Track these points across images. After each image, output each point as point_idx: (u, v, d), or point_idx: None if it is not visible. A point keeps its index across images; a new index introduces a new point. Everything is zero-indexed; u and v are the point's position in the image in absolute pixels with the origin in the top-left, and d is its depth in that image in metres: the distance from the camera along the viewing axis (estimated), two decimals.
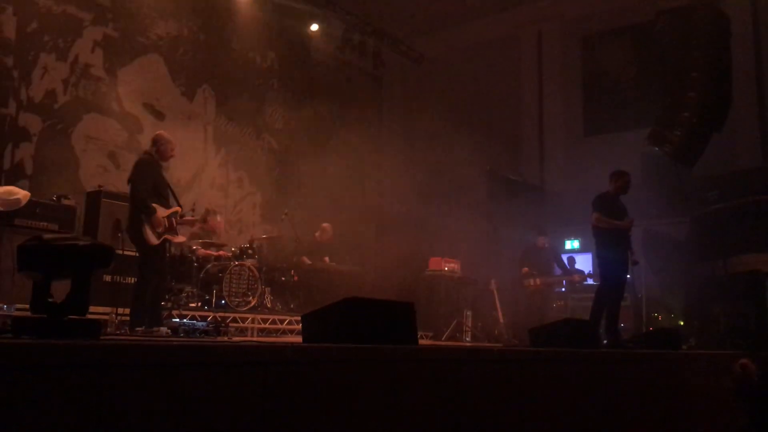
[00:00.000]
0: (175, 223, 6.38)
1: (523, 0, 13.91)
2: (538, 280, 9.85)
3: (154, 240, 6.07)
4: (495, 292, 10.04)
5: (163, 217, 6.17)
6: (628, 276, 7.96)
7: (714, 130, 9.87)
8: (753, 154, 11.13)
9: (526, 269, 9.96)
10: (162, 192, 6.35)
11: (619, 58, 12.86)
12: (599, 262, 7.46)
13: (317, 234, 10.59)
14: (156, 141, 6.44)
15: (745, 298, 8.85)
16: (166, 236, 6.23)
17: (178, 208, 6.47)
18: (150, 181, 6.20)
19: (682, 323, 9.95)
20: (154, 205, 6.11)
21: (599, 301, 7.29)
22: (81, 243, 3.12)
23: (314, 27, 12.71)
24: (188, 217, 6.96)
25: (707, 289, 9.80)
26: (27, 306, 3.04)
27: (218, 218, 9.53)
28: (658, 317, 10.21)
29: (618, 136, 12.47)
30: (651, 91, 11.02)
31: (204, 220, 8.31)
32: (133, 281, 6.86)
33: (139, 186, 6.12)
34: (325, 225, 10.63)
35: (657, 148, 9.86)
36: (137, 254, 6.34)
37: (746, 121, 11.19)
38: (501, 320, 9.95)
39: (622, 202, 7.48)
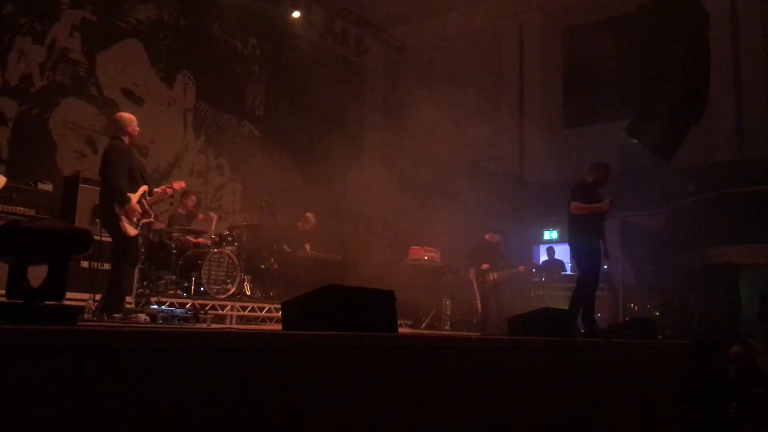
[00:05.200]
0: (147, 205, 6.14)
1: None
2: (495, 275, 9.93)
3: (133, 231, 5.88)
4: (474, 281, 10.10)
5: (137, 203, 5.95)
6: (605, 267, 8.01)
7: (692, 122, 9.95)
8: (729, 147, 11.28)
9: (486, 265, 9.98)
10: (134, 176, 6.08)
11: (600, 50, 12.95)
12: (575, 252, 7.45)
13: (300, 223, 10.56)
14: (122, 124, 6.05)
15: (718, 290, 9.00)
16: (144, 221, 6.09)
17: (144, 187, 6.15)
18: (126, 168, 5.94)
19: (657, 314, 10.08)
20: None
21: (580, 291, 7.31)
22: (58, 227, 3.08)
23: (296, 14, 12.59)
24: (157, 189, 6.53)
25: (682, 280, 9.95)
26: (2, 291, 3.01)
27: (211, 214, 9.62)
28: (634, 307, 10.33)
29: (597, 127, 12.58)
30: (630, 83, 11.07)
31: (170, 195, 7.59)
32: None
33: (115, 174, 5.82)
34: (308, 214, 10.60)
35: (636, 140, 9.95)
36: (113, 243, 6.19)
37: (723, 115, 11.32)
38: (479, 309, 10.02)
39: (600, 193, 7.48)
